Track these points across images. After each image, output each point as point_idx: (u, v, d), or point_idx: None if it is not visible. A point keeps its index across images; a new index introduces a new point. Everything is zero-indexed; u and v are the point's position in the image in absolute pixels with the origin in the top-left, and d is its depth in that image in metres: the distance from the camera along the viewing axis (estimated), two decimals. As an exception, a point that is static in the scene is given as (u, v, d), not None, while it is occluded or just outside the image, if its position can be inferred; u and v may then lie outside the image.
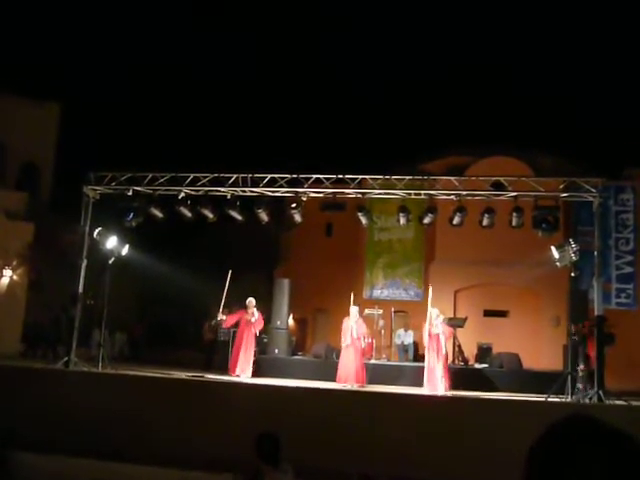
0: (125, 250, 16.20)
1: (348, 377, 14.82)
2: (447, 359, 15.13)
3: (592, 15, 43.37)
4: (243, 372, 15.44)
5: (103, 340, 16.10)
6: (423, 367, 14.86)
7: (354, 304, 15.55)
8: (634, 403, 13.12)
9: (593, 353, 14.01)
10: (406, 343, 19.19)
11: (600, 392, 12.88)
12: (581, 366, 13.90)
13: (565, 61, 45.39)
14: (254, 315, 15.90)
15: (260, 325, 16.08)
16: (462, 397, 13.71)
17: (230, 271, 16.34)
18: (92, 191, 16.14)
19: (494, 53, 45.39)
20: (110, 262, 15.68)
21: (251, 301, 16.13)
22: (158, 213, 16.08)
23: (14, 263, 21.36)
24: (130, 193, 16.03)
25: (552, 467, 1.18)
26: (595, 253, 14.50)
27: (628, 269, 22.33)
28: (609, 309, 18.40)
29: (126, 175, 16.14)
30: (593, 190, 14.54)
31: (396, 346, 19.51)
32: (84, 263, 15.61)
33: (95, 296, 17.65)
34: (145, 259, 18.72)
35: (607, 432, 1.19)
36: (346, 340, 15.13)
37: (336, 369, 15.37)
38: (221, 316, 16.23)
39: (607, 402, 12.74)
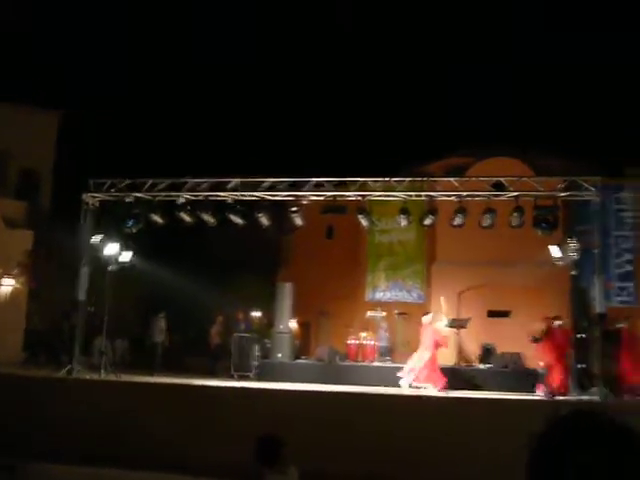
0: (125, 256, 16.21)
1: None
2: None
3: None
4: None
5: (105, 347, 16.08)
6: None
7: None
8: None
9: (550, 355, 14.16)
10: None
11: (604, 389, 12.88)
12: (541, 364, 14.01)
13: (574, 59, 45.40)
14: None
15: None
16: (467, 398, 13.70)
17: None
18: (92, 198, 16.18)
19: (489, 54, 45.33)
20: (111, 269, 15.68)
21: None
22: (158, 219, 16.10)
23: (15, 271, 21.34)
24: (130, 199, 16.05)
25: (552, 470, 1.15)
26: (595, 251, 14.51)
27: (628, 267, 22.30)
28: (610, 307, 18.38)
29: (125, 182, 16.17)
30: (592, 189, 14.58)
31: None
32: (85, 270, 15.61)
33: (96, 303, 17.64)
34: (146, 265, 18.70)
35: (608, 429, 1.16)
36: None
37: (340, 372, 15.39)
38: None
39: (611, 399, 12.74)
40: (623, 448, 1.13)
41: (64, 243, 20.58)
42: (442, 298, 16.82)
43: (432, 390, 14.55)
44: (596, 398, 12.85)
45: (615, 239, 22.40)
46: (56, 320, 19.94)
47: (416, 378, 14.90)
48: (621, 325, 15.27)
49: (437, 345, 15.29)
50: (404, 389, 14.66)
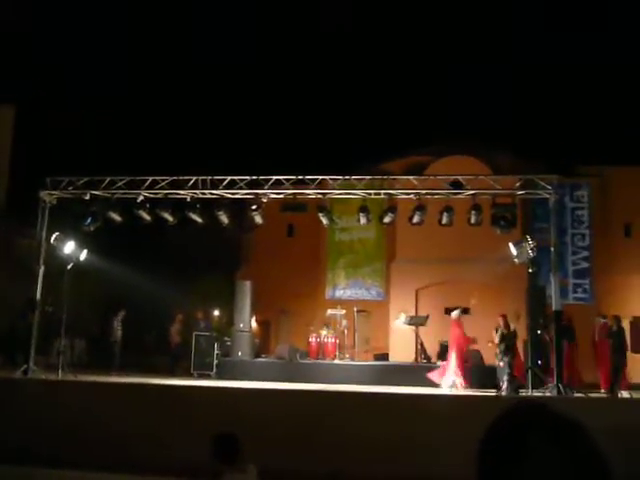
0: (83, 255, 16.01)
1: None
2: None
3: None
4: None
5: (64, 347, 15.86)
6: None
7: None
8: (592, 395, 13.40)
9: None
10: None
11: (560, 385, 13.09)
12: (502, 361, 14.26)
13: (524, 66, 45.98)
14: None
15: None
16: (428, 395, 13.81)
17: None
18: (49, 196, 15.93)
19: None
20: (68, 268, 15.48)
21: None
22: (116, 217, 15.93)
23: (-31, 270, 20.90)
24: (87, 197, 15.85)
25: (500, 462, 1.18)
26: (552, 249, 14.76)
27: (584, 264, 22.77)
28: (567, 304, 18.73)
29: (83, 179, 15.96)
30: (549, 187, 14.81)
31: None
32: (41, 269, 15.38)
33: (54, 303, 17.37)
34: (104, 264, 18.48)
35: (555, 420, 1.20)
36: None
37: (300, 370, 15.40)
38: None
39: (566, 395, 12.95)
40: (570, 437, 1.16)
41: (20, 241, 20.25)
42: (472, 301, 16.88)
43: (460, 387, 14.68)
44: (551, 394, 13.07)
45: (571, 237, 22.85)
46: (12, 320, 19.59)
47: (445, 377, 15.08)
48: (603, 320, 15.65)
49: (459, 344, 15.36)
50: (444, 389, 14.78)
